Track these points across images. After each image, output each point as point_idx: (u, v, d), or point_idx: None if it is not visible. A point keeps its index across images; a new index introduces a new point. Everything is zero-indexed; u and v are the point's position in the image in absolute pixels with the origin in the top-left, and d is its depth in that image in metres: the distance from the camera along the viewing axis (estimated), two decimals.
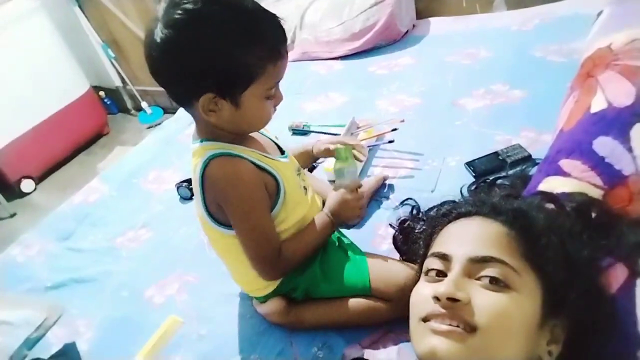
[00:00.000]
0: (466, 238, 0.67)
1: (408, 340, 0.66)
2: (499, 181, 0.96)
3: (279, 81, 0.84)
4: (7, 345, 1.13)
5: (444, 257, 0.66)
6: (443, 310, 0.60)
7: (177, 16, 0.73)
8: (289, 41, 2.09)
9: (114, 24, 2.96)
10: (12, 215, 2.66)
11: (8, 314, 1.20)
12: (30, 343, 1.15)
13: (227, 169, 0.85)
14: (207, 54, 0.75)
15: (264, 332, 1.01)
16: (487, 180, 0.99)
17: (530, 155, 1.21)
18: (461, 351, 0.57)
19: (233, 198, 0.86)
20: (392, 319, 0.92)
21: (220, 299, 1.12)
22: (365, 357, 0.89)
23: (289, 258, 0.93)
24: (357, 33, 1.94)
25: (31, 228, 1.58)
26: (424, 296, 0.64)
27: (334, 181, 1.28)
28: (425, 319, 0.62)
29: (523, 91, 1.46)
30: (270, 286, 0.98)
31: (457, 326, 0.58)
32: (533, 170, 1.05)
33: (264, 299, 1.01)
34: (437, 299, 0.61)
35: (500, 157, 1.23)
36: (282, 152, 1.00)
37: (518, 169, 1.18)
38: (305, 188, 1.01)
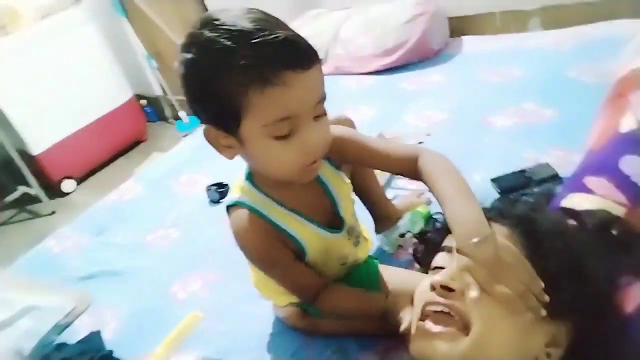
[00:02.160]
0: None
1: None
2: (523, 198, 0.96)
3: (286, 117, 0.68)
4: (38, 329, 1.18)
5: (449, 250, 0.69)
6: (438, 298, 0.62)
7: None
8: (321, 56, 2.13)
9: (158, 36, 3.10)
10: (52, 213, 2.79)
11: (40, 300, 1.26)
12: (59, 329, 1.21)
13: (239, 226, 0.82)
14: (189, 80, 0.72)
15: (280, 333, 1.03)
16: (512, 197, 0.99)
17: (557, 174, 1.19)
18: (450, 351, 0.59)
19: (250, 257, 0.86)
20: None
21: (240, 298, 1.14)
22: None
23: (325, 307, 0.89)
24: (389, 49, 1.96)
25: (68, 223, 1.66)
26: (422, 287, 0.67)
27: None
28: (422, 317, 0.64)
29: (554, 110, 1.44)
30: (291, 299, 0.98)
31: (450, 327, 0.60)
32: (559, 190, 1.04)
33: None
34: (433, 287, 0.63)
35: (526, 175, 1.21)
36: (339, 225, 0.90)
37: (544, 187, 1.17)
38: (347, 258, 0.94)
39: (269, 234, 0.82)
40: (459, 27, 2.07)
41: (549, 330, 0.62)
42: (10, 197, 2.80)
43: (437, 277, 0.63)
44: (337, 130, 0.86)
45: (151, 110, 3.51)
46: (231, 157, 0.77)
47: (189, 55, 0.69)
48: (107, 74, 3.08)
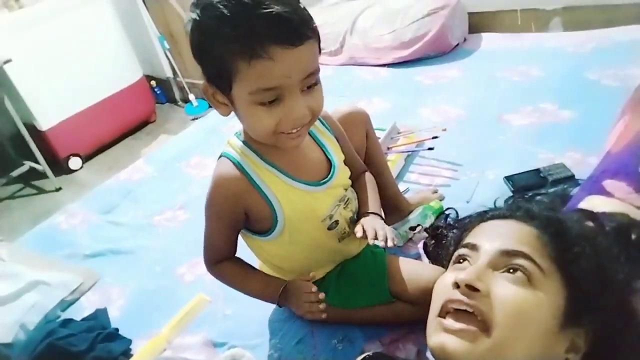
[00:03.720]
0: (497, 234, 0.67)
1: None
2: (537, 197, 0.95)
3: (268, 88, 0.70)
4: (44, 304, 1.18)
5: (473, 247, 0.67)
6: (461, 297, 0.60)
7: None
8: (337, 45, 2.15)
9: (172, 17, 3.07)
10: (58, 189, 2.79)
11: (47, 275, 1.26)
12: (65, 305, 1.21)
13: (215, 173, 0.85)
14: (192, 37, 0.74)
15: (287, 320, 1.02)
16: (525, 196, 0.98)
17: (573, 175, 1.18)
18: (471, 351, 0.58)
19: (206, 199, 0.87)
20: (416, 321, 0.92)
21: None
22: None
23: (220, 275, 0.94)
24: (407, 42, 1.94)
25: (76, 200, 1.65)
26: (445, 283, 0.65)
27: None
28: (441, 313, 0.62)
29: (572, 112, 1.43)
30: None
31: (472, 325, 0.59)
32: (575, 191, 1.03)
33: None
34: (457, 285, 0.61)
35: (541, 175, 1.20)
36: (329, 175, 0.91)
37: (559, 188, 1.16)
38: (336, 222, 0.92)
39: (240, 184, 0.83)
40: (479, 23, 2.04)
41: (569, 335, 0.61)
42: (17, 172, 2.79)
43: (463, 275, 0.61)
44: (357, 112, 1.03)
45: (160, 91, 3.50)
46: (225, 115, 0.81)
47: (193, 15, 0.72)
48: (119, 52, 3.05)
